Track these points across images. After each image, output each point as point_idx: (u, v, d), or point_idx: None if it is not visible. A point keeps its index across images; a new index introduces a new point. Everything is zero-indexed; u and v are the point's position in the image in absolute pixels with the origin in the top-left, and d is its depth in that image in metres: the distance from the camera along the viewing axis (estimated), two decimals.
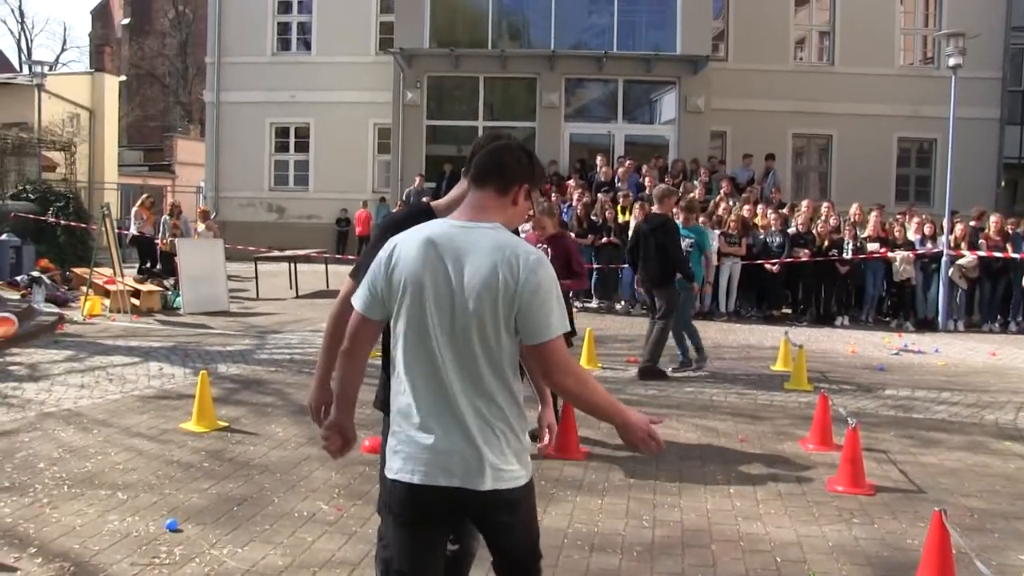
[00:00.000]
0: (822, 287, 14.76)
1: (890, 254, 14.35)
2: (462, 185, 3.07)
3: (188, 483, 5.50)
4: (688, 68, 20.13)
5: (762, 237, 14.84)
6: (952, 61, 14.86)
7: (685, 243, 9.58)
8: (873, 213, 14.90)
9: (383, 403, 3.06)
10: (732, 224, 14.70)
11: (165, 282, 15.17)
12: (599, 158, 18.56)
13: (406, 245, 2.65)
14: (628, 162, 18.22)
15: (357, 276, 2.99)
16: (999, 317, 14.53)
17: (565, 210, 15.93)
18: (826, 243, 14.50)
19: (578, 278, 7.20)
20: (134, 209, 17.70)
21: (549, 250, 6.81)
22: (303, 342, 11.13)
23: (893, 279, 14.48)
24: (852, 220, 14.94)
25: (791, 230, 14.80)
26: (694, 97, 20.03)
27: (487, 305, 2.54)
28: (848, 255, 14.36)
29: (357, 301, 2.74)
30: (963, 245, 14.40)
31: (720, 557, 4.59)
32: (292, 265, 16.94)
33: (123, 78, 40.74)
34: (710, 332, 12.91)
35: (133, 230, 17.22)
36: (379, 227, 3.30)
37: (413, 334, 2.63)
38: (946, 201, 15.00)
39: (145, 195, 18.36)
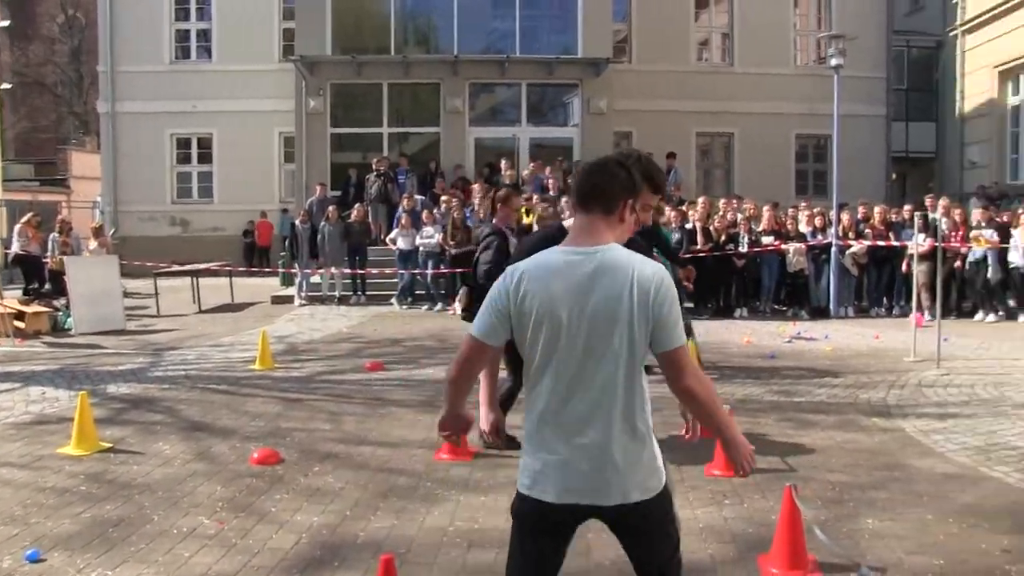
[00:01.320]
0: (721, 280, 15.11)
1: (783, 246, 14.78)
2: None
3: (59, 510, 5.30)
4: (590, 71, 20.41)
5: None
6: (834, 61, 15.40)
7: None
8: (767, 207, 15.35)
9: None
10: (635, 221, 14.95)
11: (55, 302, 14.60)
12: (503, 161, 18.70)
13: (533, 274, 2.74)
14: (532, 165, 18.40)
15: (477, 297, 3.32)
16: (884, 302, 15.13)
17: (468, 214, 16.02)
18: (723, 238, 14.87)
19: None
20: (17, 227, 16.97)
21: None
22: (201, 357, 10.97)
23: (787, 270, 14.91)
24: (748, 215, 15.35)
25: (689, 226, 15.11)
26: (597, 99, 20.32)
27: (618, 323, 2.66)
28: (744, 248, 14.75)
29: (477, 329, 2.80)
30: (851, 235, 14.91)
31: (595, 544, 4.67)
32: (195, 279, 16.65)
33: (6, 86, 38.95)
34: None
35: (15, 248, 16.44)
36: (524, 248, 3.62)
37: (549, 359, 2.72)
38: (837, 194, 15.47)
39: (31, 213, 17.59)
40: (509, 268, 2.83)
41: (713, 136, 24.80)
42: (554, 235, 3.42)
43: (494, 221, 6.77)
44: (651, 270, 2.70)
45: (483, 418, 3.54)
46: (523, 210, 15.65)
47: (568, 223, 3.52)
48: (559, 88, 21.38)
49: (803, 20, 25.10)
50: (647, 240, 8.80)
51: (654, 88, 22.76)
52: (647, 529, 2.83)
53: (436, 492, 5.57)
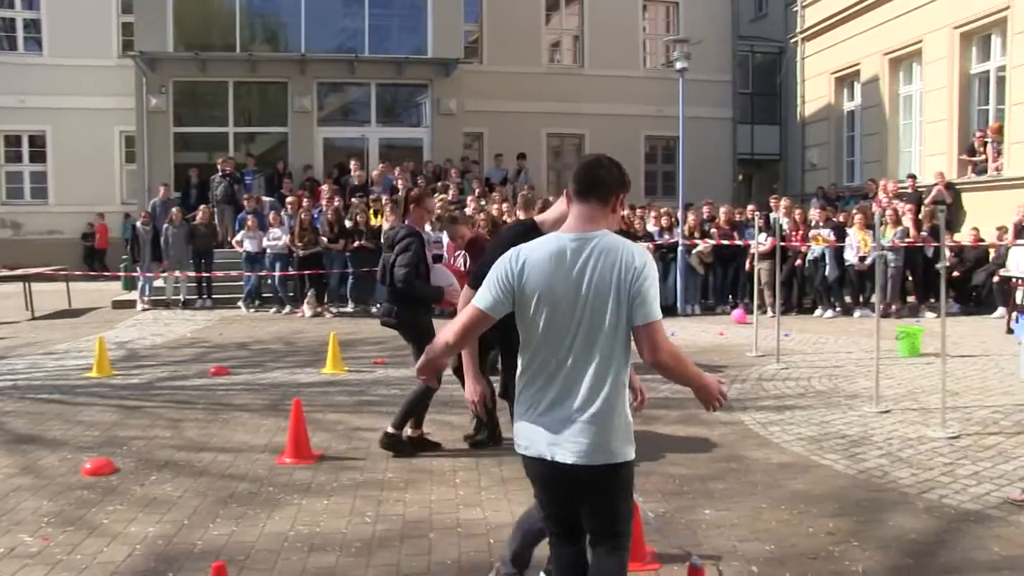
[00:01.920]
0: None
1: None
2: (562, 204, 3.79)
3: None
4: (440, 71, 20.44)
5: None
6: (679, 65, 15.96)
7: None
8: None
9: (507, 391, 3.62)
10: (481, 223, 15.02)
11: None
12: (353, 162, 18.51)
13: (534, 257, 3.06)
14: (381, 165, 18.31)
15: (475, 282, 3.67)
16: (730, 299, 15.76)
17: (316, 215, 15.81)
18: None
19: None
20: None
21: (468, 256, 6.77)
22: (32, 366, 10.44)
23: None
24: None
25: None
26: (447, 99, 20.37)
27: (611, 301, 2.98)
28: None
29: (482, 302, 3.11)
30: (696, 234, 15.48)
31: (437, 544, 4.73)
32: (27, 285, 15.79)
33: None
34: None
35: None
36: (494, 244, 4.02)
37: (547, 333, 3.05)
38: (683, 194, 16.01)
39: None
40: (513, 250, 3.12)
41: (564, 137, 25.23)
42: (528, 230, 3.85)
43: (406, 222, 6.59)
44: (638, 252, 3.04)
45: (471, 390, 4.01)
46: (371, 211, 15.59)
47: (543, 218, 4.01)
48: (409, 88, 21.33)
49: (652, 24, 25.88)
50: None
51: (505, 89, 22.99)
52: (617, 485, 3.12)
53: (278, 497, 5.49)
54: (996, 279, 13.94)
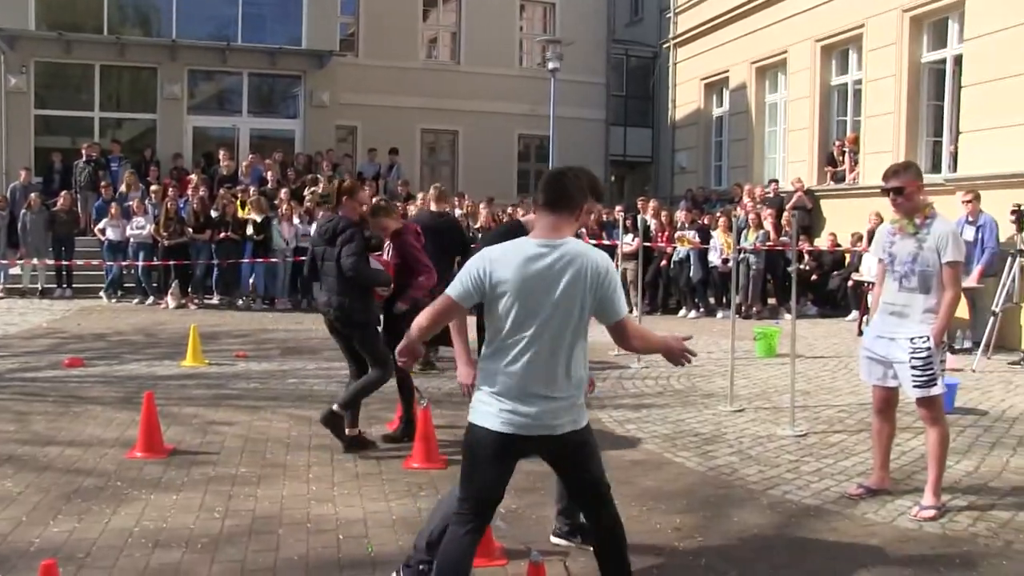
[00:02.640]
0: (440, 277, 15.43)
1: None
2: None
3: None
4: (314, 63, 20.14)
5: None
6: (552, 65, 16.19)
7: None
8: (483, 205, 15.85)
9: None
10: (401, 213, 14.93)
11: None
12: (222, 152, 18.05)
13: (504, 260, 3.44)
14: (251, 156, 17.92)
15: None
16: None
17: (182, 205, 15.38)
18: None
19: (427, 274, 6.98)
20: None
21: (393, 249, 6.77)
22: None
23: None
24: (466, 211, 15.78)
25: None
26: (320, 92, 20.10)
27: (576, 301, 3.41)
28: None
29: (453, 291, 3.49)
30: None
31: (285, 540, 4.69)
32: None
33: None
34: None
35: None
36: (487, 239, 4.33)
37: (518, 327, 3.42)
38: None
39: None
40: (485, 251, 3.55)
41: (438, 133, 25.20)
42: (514, 228, 4.23)
43: (340, 213, 6.48)
44: (601, 258, 3.46)
45: (463, 373, 4.29)
46: (239, 202, 15.28)
47: (528, 218, 4.26)
48: (282, 79, 20.93)
49: (529, 23, 26.08)
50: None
51: (380, 83, 22.80)
52: (583, 451, 3.64)
53: (125, 492, 5.34)
54: (851, 283, 14.63)
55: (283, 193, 15.38)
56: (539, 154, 26.14)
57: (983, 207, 11.37)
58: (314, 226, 8.71)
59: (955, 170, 13.25)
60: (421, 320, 3.61)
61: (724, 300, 15.25)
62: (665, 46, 24.28)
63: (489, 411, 3.50)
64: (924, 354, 5.10)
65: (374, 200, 6.70)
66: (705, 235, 15.51)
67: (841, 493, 5.57)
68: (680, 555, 4.61)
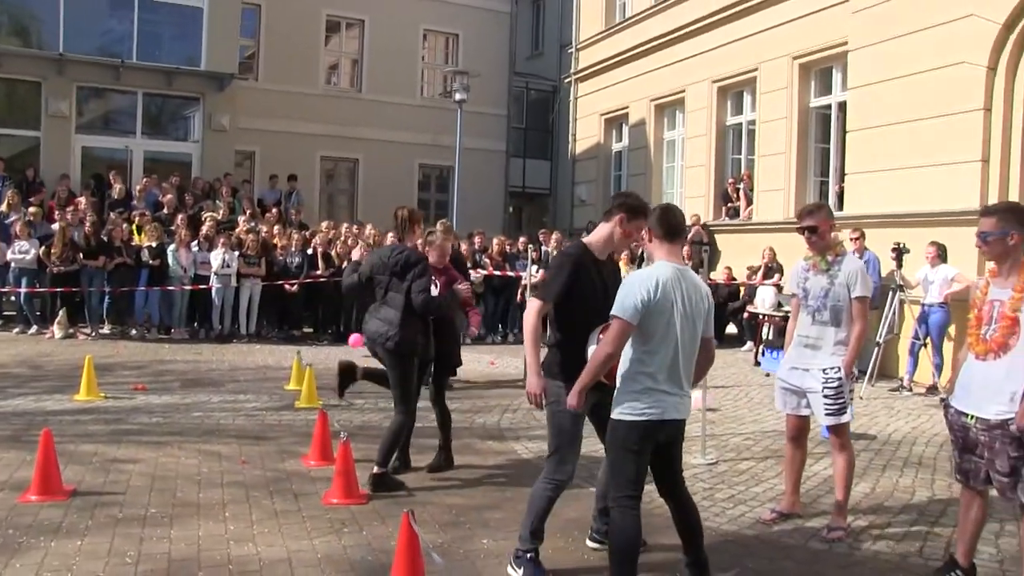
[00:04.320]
0: (341, 305, 15.21)
1: None
2: (605, 227, 4.72)
3: None
4: (213, 85, 19.62)
5: (282, 258, 14.88)
6: (458, 96, 16.21)
7: None
8: (390, 234, 15.66)
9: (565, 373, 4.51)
10: (252, 244, 14.55)
11: None
12: (112, 174, 17.30)
13: (664, 277, 4.21)
14: (145, 179, 17.28)
15: (546, 295, 4.63)
16: (500, 328, 16.05)
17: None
18: (345, 263, 14.94)
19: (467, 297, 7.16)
20: None
21: (441, 280, 6.70)
22: None
23: None
24: (371, 241, 15.59)
25: (310, 251, 15.04)
26: (219, 115, 19.54)
27: (703, 315, 4.36)
28: None
29: (627, 313, 4.15)
30: (468, 263, 15.67)
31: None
32: None
33: None
34: (228, 355, 12.74)
35: None
36: (562, 259, 4.73)
37: (671, 333, 4.22)
38: (458, 225, 16.11)
39: None
40: (646, 274, 4.22)
41: (338, 161, 24.89)
42: (584, 252, 4.70)
43: (408, 244, 6.39)
44: (706, 286, 4.58)
45: (532, 383, 4.55)
46: (134, 226, 14.73)
47: (590, 239, 4.79)
48: (179, 100, 20.28)
49: (431, 53, 26.07)
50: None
51: (280, 108, 22.39)
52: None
53: (20, 540, 4.94)
54: (745, 315, 15.03)
55: (180, 219, 14.88)
56: (439, 184, 26.15)
57: (866, 244, 11.96)
58: (355, 251, 8.02)
59: (841, 209, 13.82)
60: (606, 348, 4.20)
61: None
62: (567, 80, 24.64)
63: (647, 404, 4.26)
64: (836, 384, 5.39)
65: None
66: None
67: (755, 519, 5.75)
68: None
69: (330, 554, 4.89)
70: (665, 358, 4.20)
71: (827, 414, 5.41)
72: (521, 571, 4.59)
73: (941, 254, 11.11)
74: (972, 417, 4.43)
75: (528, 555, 4.60)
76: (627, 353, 4.27)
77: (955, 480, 4.84)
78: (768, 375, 12.70)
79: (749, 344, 14.50)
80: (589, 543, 5.13)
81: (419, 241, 6.71)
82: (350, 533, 5.23)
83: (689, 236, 16.64)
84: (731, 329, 16.27)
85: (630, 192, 5.03)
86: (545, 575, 4.60)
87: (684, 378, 4.29)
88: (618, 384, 4.30)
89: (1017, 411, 4.21)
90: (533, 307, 4.60)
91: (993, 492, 4.56)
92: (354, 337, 12.80)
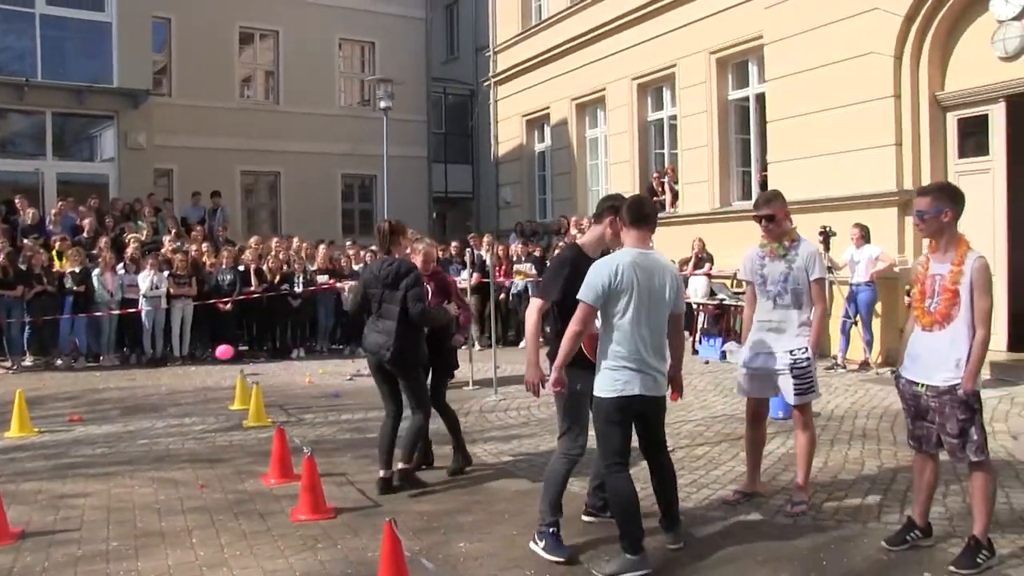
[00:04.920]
0: (276, 322, 15.01)
1: (339, 284, 15.03)
2: (596, 229, 5.20)
3: None
4: (127, 102, 19.02)
5: (213, 276, 14.57)
6: (383, 104, 16.13)
7: None
8: (322, 246, 15.53)
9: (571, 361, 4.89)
10: (181, 264, 14.21)
11: None
12: (18, 199, 16.46)
13: (624, 263, 4.66)
14: (60, 203, 16.67)
15: (545, 294, 5.10)
16: None
17: None
18: (277, 278, 14.75)
19: (466, 311, 7.44)
20: None
21: (432, 286, 6.76)
22: None
23: (343, 308, 15.13)
24: (302, 254, 15.41)
25: (241, 268, 14.76)
26: (135, 133, 18.95)
27: (668, 295, 4.77)
28: (299, 288, 14.75)
29: (589, 297, 4.64)
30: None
31: None
32: None
33: None
34: (164, 378, 12.44)
35: None
36: (559, 261, 5.30)
37: (635, 313, 4.66)
38: None
39: None
40: (608, 261, 4.72)
41: (258, 175, 24.49)
42: (578, 253, 5.18)
43: (396, 255, 6.45)
44: (673, 265, 5.01)
45: (530, 374, 4.97)
46: (54, 252, 14.24)
47: (583, 240, 5.33)
48: (91, 119, 19.63)
49: (347, 62, 25.83)
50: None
51: (197, 124, 21.88)
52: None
53: None
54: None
55: (103, 242, 14.42)
56: (362, 193, 25.94)
57: None
58: (359, 267, 7.68)
59: None
60: (574, 328, 4.69)
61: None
62: (485, 84, 24.66)
63: (619, 381, 4.75)
64: (804, 364, 5.55)
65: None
66: (541, 266, 15.80)
67: (720, 500, 5.90)
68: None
69: (308, 571, 4.81)
70: (633, 338, 4.65)
71: (796, 394, 5.56)
72: (543, 543, 4.91)
73: (864, 235, 11.48)
74: (923, 385, 4.68)
75: (550, 529, 4.92)
76: (602, 335, 4.74)
77: (908, 446, 5.04)
78: (707, 362, 12.97)
79: (685, 333, 14.71)
80: (584, 517, 5.53)
81: (409, 252, 6.78)
82: (325, 548, 5.15)
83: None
84: None
85: (617, 195, 5.60)
86: (564, 547, 4.88)
87: (653, 356, 4.70)
88: (597, 364, 4.76)
89: (963, 376, 4.51)
90: (535, 306, 5.05)
91: (944, 456, 4.79)
92: (221, 348, 12.61)
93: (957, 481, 5.91)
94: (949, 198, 4.65)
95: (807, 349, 5.56)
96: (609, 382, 4.69)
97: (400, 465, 6.40)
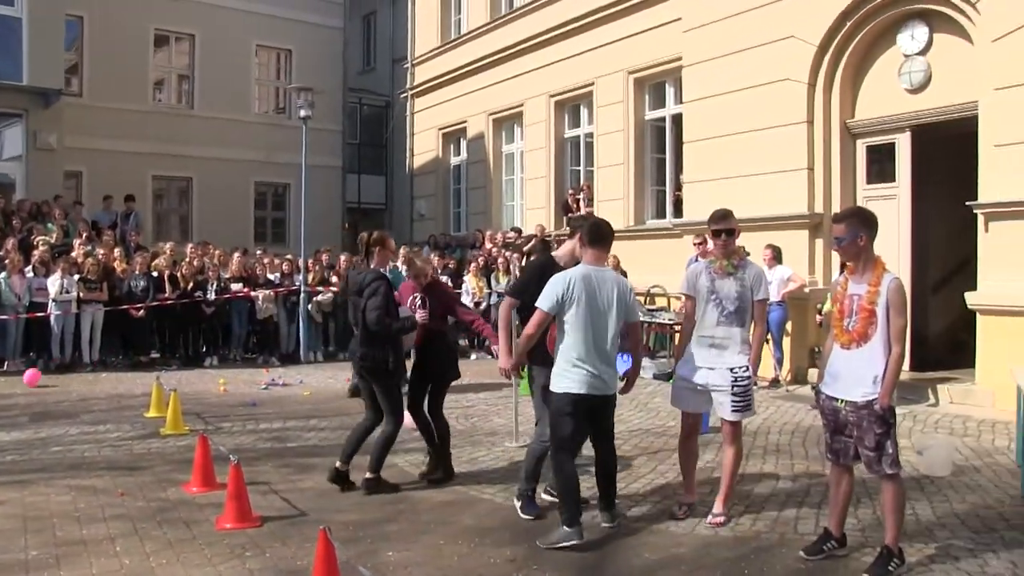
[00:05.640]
0: (189, 329, 14.78)
1: (253, 293, 14.87)
2: (569, 243, 6.03)
3: None
4: (38, 101, 18.40)
5: (126, 281, 14.26)
6: (303, 113, 16.01)
7: None
8: (236, 254, 15.35)
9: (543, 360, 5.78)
10: (92, 268, 13.87)
11: None
12: None
13: (576, 277, 5.38)
14: None
15: (516, 294, 6.04)
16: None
17: None
18: (191, 285, 14.52)
19: (473, 319, 7.82)
20: None
21: (427, 300, 6.89)
22: None
23: (257, 317, 14.99)
24: (216, 261, 15.20)
25: (155, 273, 14.49)
26: (45, 133, 18.35)
27: (616, 306, 5.44)
28: (212, 296, 14.55)
29: (545, 305, 5.40)
30: (313, 281, 15.51)
31: None
32: None
33: None
34: (74, 384, 12.14)
35: None
36: (532, 267, 6.46)
37: (582, 321, 5.36)
38: (305, 241, 15.92)
39: None
40: (564, 275, 5.47)
41: (170, 180, 24.01)
42: (550, 263, 6.04)
43: (372, 265, 6.62)
44: (625, 281, 5.74)
45: (503, 360, 5.91)
46: None
47: (558, 253, 6.18)
48: None
49: (263, 69, 25.55)
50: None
51: (108, 126, 21.32)
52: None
53: None
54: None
55: (10, 244, 13.97)
56: (275, 201, 25.67)
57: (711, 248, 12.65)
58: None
59: (680, 215, 14.54)
60: (528, 330, 5.53)
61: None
62: (403, 96, 24.68)
63: (575, 380, 5.45)
64: (745, 382, 5.71)
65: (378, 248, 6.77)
66: (456, 279, 15.92)
67: (643, 512, 6.04)
68: None
69: None
70: (584, 342, 5.36)
71: (734, 410, 5.71)
72: (520, 503, 5.98)
73: (776, 256, 11.86)
74: (842, 401, 4.90)
75: (528, 493, 5.98)
76: (557, 338, 5.50)
77: (826, 459, 5.26)
78: (622, 378, 13.19)
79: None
80: (544, 496, 6.24)
81: (399, 264, 7.03)
82: (253, 556, 5.15)
83: (529, 245, 17.03)
84: None
85: (588, 214, 6.36)
86: (535, 507, 5.94)
87: (600, 360, 5.39)
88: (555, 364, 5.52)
89: (880, 392, 4.74)
90: (506, 303, 6.02)
91: (860, 468, 5.03)
92: (29, 373, 12.13)
93: (868, 495, 6.18)
94: (863, 223, 4.89)
95: (748, 368, 5.71)
96: (561, 379, 5.42)
97: (368, 475, 6.55)
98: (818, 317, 11.61)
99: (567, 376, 5.39)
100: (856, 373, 4.83)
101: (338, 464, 6.63)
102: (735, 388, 5.67)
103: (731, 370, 5.69)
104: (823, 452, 5.26)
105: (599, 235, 5.56)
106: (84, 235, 15.62)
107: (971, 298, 10.10)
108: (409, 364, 7.01)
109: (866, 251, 4.89)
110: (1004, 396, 9.10)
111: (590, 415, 5.48)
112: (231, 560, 5.10)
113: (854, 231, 4.86)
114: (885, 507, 4.94)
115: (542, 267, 5.97)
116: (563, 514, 5.32)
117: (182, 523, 5.81)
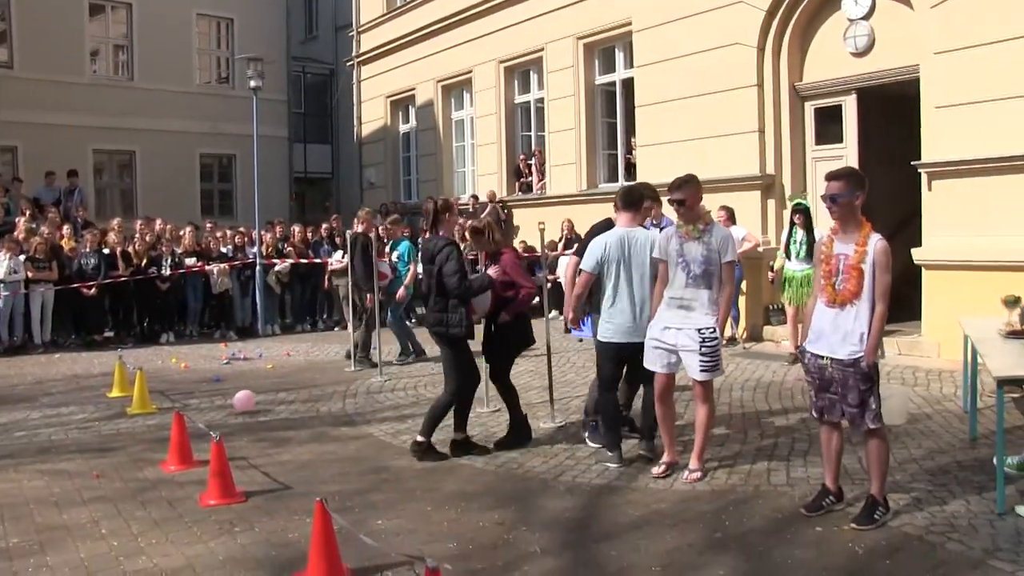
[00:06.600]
0: (144, 306, 14.60)
1: (208, 267, 14.72)
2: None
3: None
4: None
5: (76, 260, 14.00)
6: (253, 83, 15.79)
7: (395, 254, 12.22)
8: (188, 228, 15.16)
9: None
10: (39, 247, 13.60)
11: None
12: None
13: (612, 240, 6.26)
14: None
15: (581, 254, 6.59)
16: (308, 317, 15.90)
17: None
18: (144, 261, 14.32)
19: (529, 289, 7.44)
20: None
21: (494, 268, 6.92)
22: None
23: (212, 291, 14.85)
24: (168, 236, 14.99)
25: (106, 251, 14.24)
26: None
27: (647, 262, 6.21)
28: (167, 271, 14.36)
29: (588, 266, 6.29)
30: (270, 252, 15.39)
31: None
32: None
33: None
34: (28, 367, 11.95)
35: None
36: (595, 232, 6.71)
37: (619, 279, 6.26)
38: (260, 213, 15.76)
39: None
40: (601, 238, 6.34)
41: (111, 154, 23.48)
42: (609, 222, 6.70)
43: (441, 233, 6.76)
44: (653, 234, 6.37)
45: (566, 314, 6.74)
46: None
47: (616, 217, 6.59)
48: None
49: (204, 38, 25.00)
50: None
51: (43, 98, 20.72)
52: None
53: None
54: (550, 285, 15.62)
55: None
56: (222, 173, 25.27)
57: (664, 211, 12.80)
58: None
59: (633, 179, 14.68)
60: (577, 291, 6.46)
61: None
62: (348, 64, 24.38)
63: (607, 330, 6.41)
64: (713, 343, 5.86)
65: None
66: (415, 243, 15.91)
67: (620, 471, 6.21)
68: (513, 546, 4.89)
69: (232, 554, 4.86)
70: (621, 297, 6.22)
71: (702, 370, 5.86)
72: (587, 433, 7.02)
73: (731, 216, 12.03)
74: (827, 359, 5.04)
75: (592, 423, 6.95)
76: (600, 295, 6.35)
77: (812, 417, 5.43)
78: (581, 340, 13.36)
79: (555, 312, 15.09)
80: (589, 443, 6.91)
81: (456, 229, 7.38)
82: (243, 532, 5.20)
83: (485, 213, 17.08)
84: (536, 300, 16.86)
85: (645, 184, 7.40)
86: (599, 436, 6.75)
87: (638, 312, 6.21)
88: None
89: (865, 349, 4.89)
90: (572, 262, 6.82)
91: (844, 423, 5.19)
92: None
93: (861, 445, 6.30)
94: (859, 183, 4.98)
95: (715, 328, 5.87)
96: (603, 330, 6.35)
97: (419, 438, 6.72)
98: (770, 274, 11.85)
99: (608, 327, 6.27)
100: (843, 331, 4.95)
101: (455, 435, 6.82)
102: (703, 348, 5.83)
103: (699, 331, 5.85)
104: (809, 409, 5.38)
105: (630, 200, 6.40)
106: (27, 213, 15.27)
107: (916, 254, 10.43)
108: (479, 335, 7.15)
109: (857, 212, 4.99)
110: (949, 347, 9.47)
111: (628, 361, 6.34)
112: (221, 536, 5.14)
113: (852, 189, 4.94)
114: (870, 460, 5.12)
115: (603, 231, 6.56)
116: (605, 439, 6.48)
117: (164, 502, 5.82)
